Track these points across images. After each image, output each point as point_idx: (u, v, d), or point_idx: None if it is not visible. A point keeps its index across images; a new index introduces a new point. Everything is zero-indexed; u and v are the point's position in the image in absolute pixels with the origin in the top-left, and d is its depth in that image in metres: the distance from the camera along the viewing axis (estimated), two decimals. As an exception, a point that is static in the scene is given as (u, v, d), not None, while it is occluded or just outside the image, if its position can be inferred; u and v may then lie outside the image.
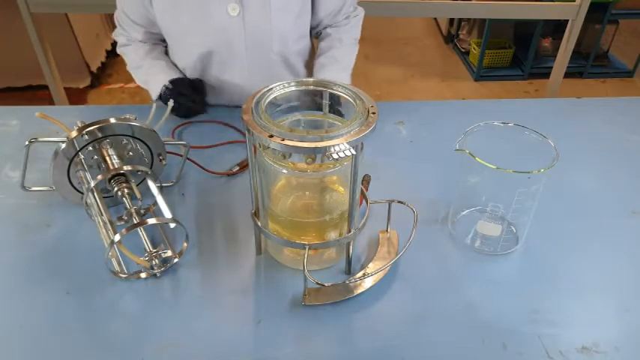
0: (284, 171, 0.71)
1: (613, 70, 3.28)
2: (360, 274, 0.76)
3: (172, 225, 0.81)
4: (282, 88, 0.68)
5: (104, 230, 0.77)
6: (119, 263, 0.76)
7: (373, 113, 0.64)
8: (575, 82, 3.16)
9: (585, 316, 0.73)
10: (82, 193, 0.82)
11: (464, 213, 0.88)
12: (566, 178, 0.96)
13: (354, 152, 0.60)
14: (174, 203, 0.90)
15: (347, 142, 0.59)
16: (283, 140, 0.59)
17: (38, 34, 1.75)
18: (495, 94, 3.08)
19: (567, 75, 2.11)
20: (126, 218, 0.79)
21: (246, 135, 0.66)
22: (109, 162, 0.82)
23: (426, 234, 0.83)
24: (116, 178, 0.82)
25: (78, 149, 0.80)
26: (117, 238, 0.70)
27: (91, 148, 0.81)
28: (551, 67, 2.06)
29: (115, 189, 0.81)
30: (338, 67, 1.14)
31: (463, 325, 0.71)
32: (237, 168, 0.98)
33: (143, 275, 0.76)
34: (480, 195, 0.83)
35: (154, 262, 0.75)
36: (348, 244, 0.75)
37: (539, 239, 0.84)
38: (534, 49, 3.07)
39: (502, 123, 0.82)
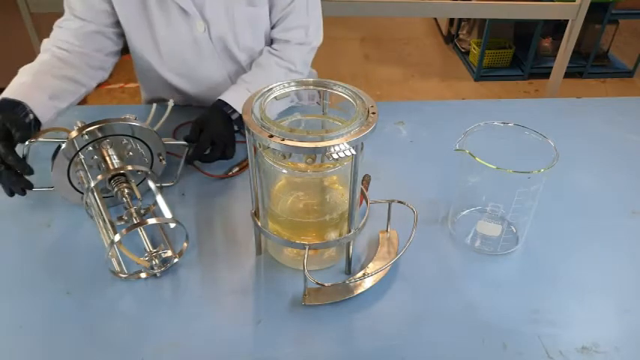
0: (284, 171, 0.71)
1: (613, 70, 3.28)
2: (360, 274, 0.76)
3: (172, 225, 0.81)
4: (282, 88, 0.68)
5: (104, 230, 0.77)
6: (119, 263, 0.76)
7: (373, 113, 0.64)
8: (575, 82, 3.16)
9: (585, 316, 0.73)
10: (82, 193, 0.82)
11: (464, 213, 0.88)
12: (566, 178, 0.96)
13: (354, 152, 0.60)
14: (174, 203, 0.90)
15: (347, 142, 0.59)
16: (283, 140, 0.59)
17: (38, 34, 1.75)
18: (495, 94, 3.08)
19: (567, 75, 2.11)
20: (126, 218, 0.79)
21: (246, 135, 0.66)
22: (108, 162, 0.82)
23: (426, 234, 0.83)
24: (116, 178, 0.82)
25: (78, 149, 0.80)
26: (117, 238, 0.70)
27: (91, 148, 0.81)
28: (551, 67, 2.06)
29: (115, 189, 0.81)
30: (243, 89, 1.04)
31: (463, 325, 0.71)
32: (237, 169, 0.98)
33: (143, 275, 0.76)
34: (480, 195, 0.83)
35: (154, 262, 0.75)
36: (348, 244, 0.74)
37: (539, 239, 0.84)
38: (534, 49, 3.07)
39: (502, 123, 0.82)
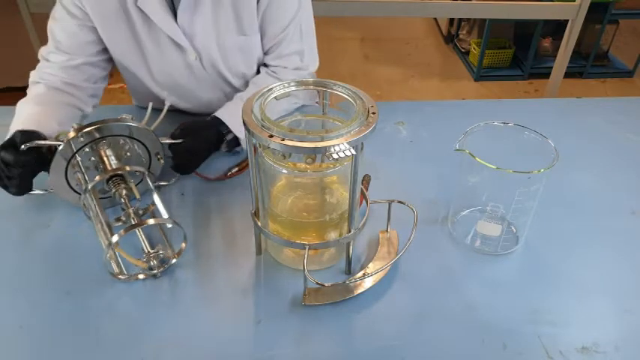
0: (284, 171, 0.71)
1: (613, 70, 3.28)
2: (360, 274, 0.76)
3: (169, 225, 0.80)
4: (282, 88, 0.68)
5: (102, 232, 0.77)
6: (118, 265, 0.76)
7: (373, 113, 0.64)
8: (575, 82, 3.16)
9: (585, 316, 0.73)
10: (81, 194, 0.82)
11: (464, 213, 0.88)
12: (566, 178, 0.96)
13: (354, 152, 0.60)
14: (174, 203, 0.90)
15: (347, 142, 0.59)
16: (283, 140, 0.59)
17: (38, 34, 1.75)
18: (495, 94, 3.08)
19: (567, 75, 2.11)
20: (124, 219, 0.79)
21: (246, 135, 0.66)
22: (106, 163, 0.81)
23: (426, 234, 0.83)
24: (114, 179, 0.82)
25: (75, 151, 0.80)
26: (115, 239, 0.70)
27: (87, 149, 0.81)
28: (551, 67, 2.06)
29: (113, 190, 0.81)
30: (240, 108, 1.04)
31: (463, 325, 0.71)
32: (236, 169, 0.97)
33: (142, 276, 0.76)
34: (480, 195, 0.83)
35: (152, 263, 0.75)
36: (348, 244, 0.74)
37: (539, 239, 0.84)
38: (534, 49, 3.07)
39: (502, 123, 0.82)
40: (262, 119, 0.62)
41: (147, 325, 0.70)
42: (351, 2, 1.84)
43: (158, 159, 0.89)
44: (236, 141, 0.99)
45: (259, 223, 0.74)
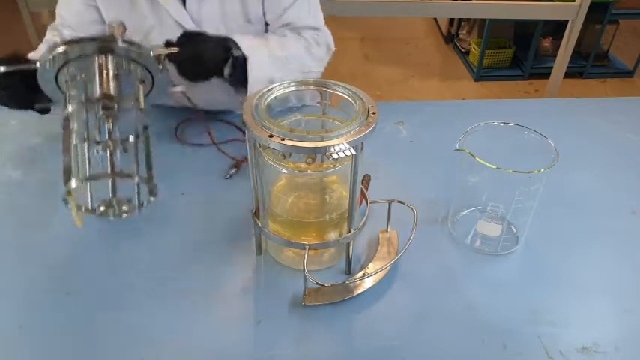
0: (284, 171, 0.71)
1: (613, 70, 3.28)
2: (360, 274, 0.76)
3: (136, 180, 0.69)
4: (282, 88, 0.68)
5: (73, 163, 0.67)
6: (81, 206, 0.68)
7: (373, 113, 0.64)
8: (575, 82, 3.16)
9: (585, 316, 0.73)
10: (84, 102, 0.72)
11: (464, 213, 0.88)
12: (566, 178, 0.96)
13: (354, 152, 0.60)
14: (174, 202, 0.90)
15: (347, 142, 0.60)
16: (283, 140, 0.59)
17: (38, 33, 1.75)
18: (495, 94, 3.08)
19: (567, 75, 2.11)
20: (101, 152, 0.69)
21: (246, 135, 0.66)
22: (101, 82, 0.73)
23: (426, 234, 0.83)
24: (104, 101, 0.72)
25: (57, 68, 0.73)
26: (74, 185, 0.64)
27: (73, 68, 0.73)
28: (551, 67, 2.06)
29: (101, 113, 0.71)
30: (263, 47, 0.99)
31: (463, 325, 0.71)
32: (234, 170, 0.97)
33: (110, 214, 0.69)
34: (480, 195, 0.83)
35: (111, 209, 0.69)
36: (348, 244, 0.74)
37: (539, 239, 0.84)
38: (534, 49, 3.07)
39: (502, 123, 0.82)
40: (262, 119, 0.62)
41: (147, 325, 0.70)
42: (351, 2, 1.85)
43: (160, 67, 0.80)
44: (243, 70, 0.92)
45: (259, 223, 0.74)
